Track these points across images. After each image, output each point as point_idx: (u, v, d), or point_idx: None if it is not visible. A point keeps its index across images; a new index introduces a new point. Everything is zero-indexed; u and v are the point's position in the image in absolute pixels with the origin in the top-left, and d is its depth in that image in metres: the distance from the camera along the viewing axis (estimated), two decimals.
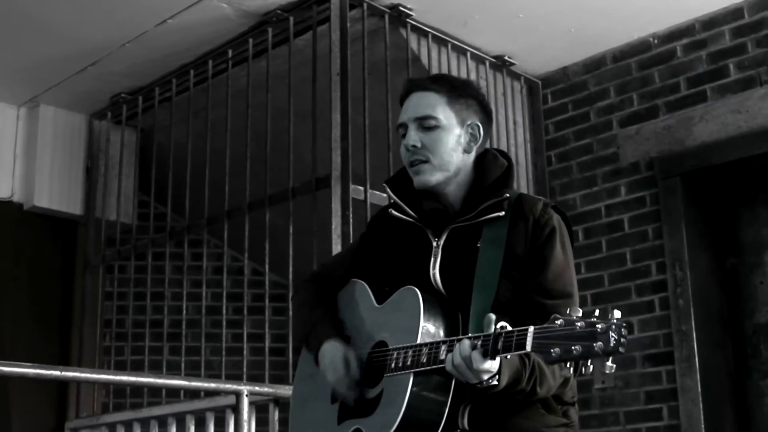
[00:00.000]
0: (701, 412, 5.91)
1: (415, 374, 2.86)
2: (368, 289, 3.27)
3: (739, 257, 6.35)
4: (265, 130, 6.15)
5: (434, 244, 3.15)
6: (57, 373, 4.71)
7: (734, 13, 6.19)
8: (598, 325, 2.47)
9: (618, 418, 6.29)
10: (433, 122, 3.13)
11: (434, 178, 3.13)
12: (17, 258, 7.27)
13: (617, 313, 2.48)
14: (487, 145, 3.33)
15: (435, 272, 3.11)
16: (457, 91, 3.20)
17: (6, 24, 6.22)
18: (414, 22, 6.26)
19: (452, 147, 3.14)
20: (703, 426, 5.90)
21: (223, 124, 6.50)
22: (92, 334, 7.16)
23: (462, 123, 3.17)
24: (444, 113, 3.15)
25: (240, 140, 6.32)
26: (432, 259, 3.13)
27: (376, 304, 3.20)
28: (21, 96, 7.27)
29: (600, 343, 2.45)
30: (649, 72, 6.52)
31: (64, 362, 7.09)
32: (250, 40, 6.38)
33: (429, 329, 2.94)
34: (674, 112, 6.34)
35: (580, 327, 2.49)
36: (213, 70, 6.67)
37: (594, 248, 6.56)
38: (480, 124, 3.21)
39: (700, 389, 5.94)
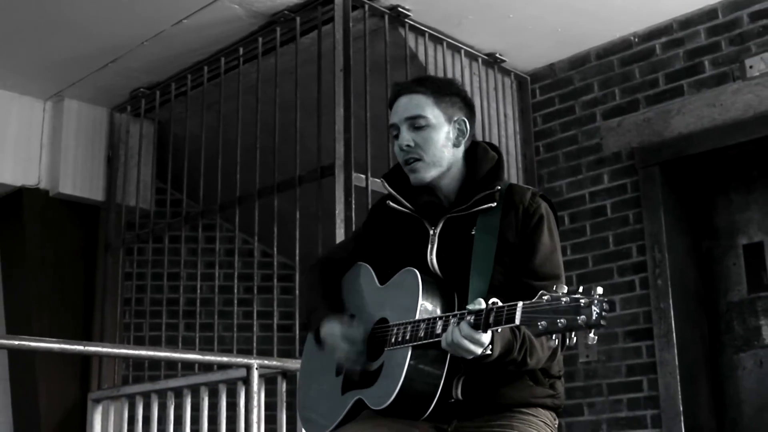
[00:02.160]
0: (678, 384, 5.92)
1: (414, 348, 2.87)
2: (371, 271, 3.27)
3: (713, 240, 6.34)
4: (274, 123, 6.13)
5: (431, 232, 3.16)
6: (80, 347, 4.70)
7: (709, 13, 6.18)
8: (582, 300, 2.49)
9: (601, 390, 6.29)
10: (422, 122, 3.13)
11: (429, 174, 3.14)
12: (43, 241, 7.27)
13: (599, 290, 2.50)
14: (479, 137, 3.34)
15: (432, 257, 3.12)
16: (442, 90, 3.21)
17: (33, 24, 6.21)
18: (412, 22, 6.25)
19: (443, 143, 3.14)
20: (680, 397, 5.90)
21: (235, 116, 6.49)
22: (113, 311, 7.15)
23: (449, 120, 3.17)
24: (432, 112, 3.14)
25: (250, 132, 6.31)
26: (429, 246, 3.14)
27: (378, 285, 3.20)
28: (47, 90, 7.26)
29: (583, 316, 2.47)
30: (630, 68, 6.51)
31: (87, 338, 7.09)
32: (260, 39, 6.36)
33: (427, 307, 2.94)
34: (653, 106, 6.33)
35: (565, 302, 2.51)
36: (225, 67, 6.65)
37: (579, 232, 6.55)
38: (465, 119, 3.20)
39: (677, 363, 5.94)
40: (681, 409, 5.89)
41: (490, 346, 2.75)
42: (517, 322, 2.60)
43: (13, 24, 6.22)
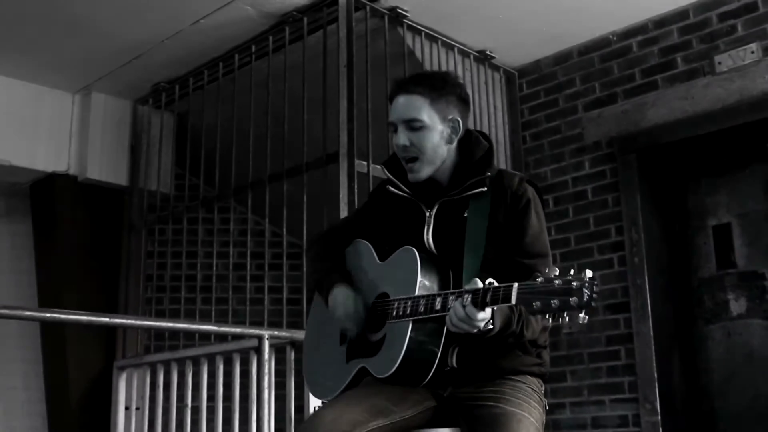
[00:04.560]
0: (653, 353, 5.92)
1: (414, 321, 2.87)
2: (371, 247, 3.26)
3: (685, 222, 6.33)
4: (283, 114, 6.12)
5: (427, 214, 3.15)
6: (106, 319, 4.70)
7: (681, 14, 6.16)
8: (574, 283, 2.48)
9: (582, 358, 6.29)
10: (418, 124, 3.09)
11: (425, 172, 3.12)
12: (72, 222, 7.28)
13: (589, 273, 2.48)
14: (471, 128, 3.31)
15: (428, 237, 3.11)
16: (438, 90, 3.14)
17: (63, 24, 6.20)
18: (409, 22, 6.22)
19: (437, 143, 3.11)
20: (654, 365, 5.91)
21: (248, 108, 6.47)
22: (136, 286, 7.16)
23: (444, 119, 3.12)
24: (428, 114, 3.09)
25: (262, 122, 6.30)
26: (425, 227, 3.13)
27: (378, 261, 3.19)
28: (76, 84, 7.25)
29: (575, 298, 2.46)
30: (609, 64, 6.49)
31: (112, 311, 7.09)
32: (270, 38, 6.34)
33: (425, 283, 2.94)
34: (630, 99, 6.31)
35: (558, 284, 2.50)
36: (239, 63, 6.63)
37: (562, 214, 6.54)
38: (459, 118, 3.16)
39: (652, 334, 5.94)
40: (655, 376, 5.89)
41: (491, 322, 2.74)
42: (513, 302, 2.58)
43: (45, 24, 6.20)
